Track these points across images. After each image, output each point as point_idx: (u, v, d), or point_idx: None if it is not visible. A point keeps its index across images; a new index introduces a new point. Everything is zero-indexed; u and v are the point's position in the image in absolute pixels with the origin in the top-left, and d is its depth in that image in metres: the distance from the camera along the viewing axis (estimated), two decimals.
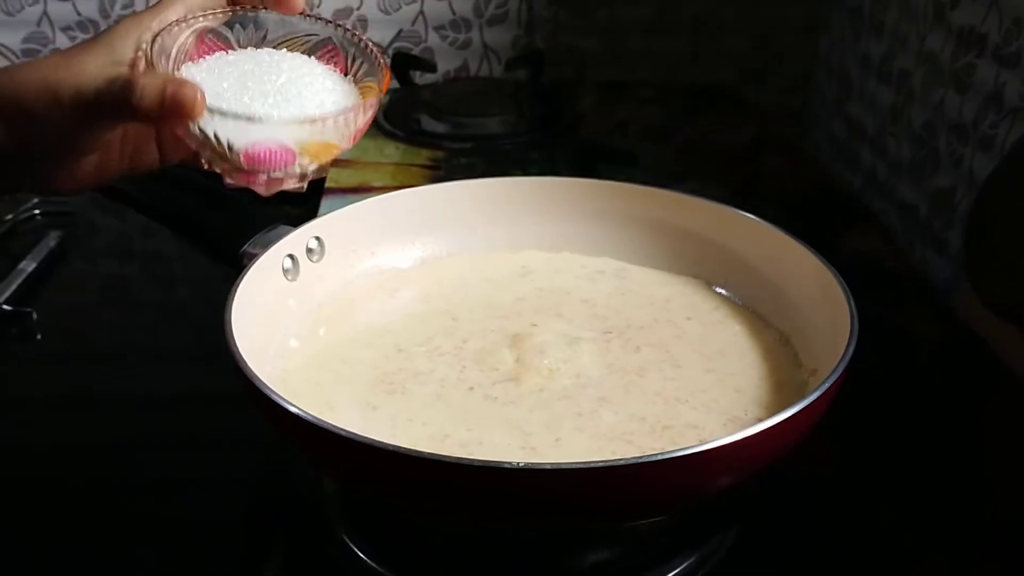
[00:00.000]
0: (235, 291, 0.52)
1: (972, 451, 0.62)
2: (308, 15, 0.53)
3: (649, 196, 0.67)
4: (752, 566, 0.53)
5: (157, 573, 0.53)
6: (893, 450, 0.61)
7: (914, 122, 0.95)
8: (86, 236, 0.90)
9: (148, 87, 0.46)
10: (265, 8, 0.53)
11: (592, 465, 0.41)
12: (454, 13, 1.15)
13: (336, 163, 0.94)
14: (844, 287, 0.53)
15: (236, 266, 0.56)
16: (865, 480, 0.58)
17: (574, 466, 0.41)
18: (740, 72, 1.21)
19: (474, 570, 0.53)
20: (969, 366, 0.71)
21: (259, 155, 0.49)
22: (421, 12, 1.14)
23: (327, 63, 0.53)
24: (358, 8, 1.13)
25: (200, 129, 0.48)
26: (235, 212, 0.60)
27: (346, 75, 0.53)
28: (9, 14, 1.09)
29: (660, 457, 0.41)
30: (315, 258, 0.61)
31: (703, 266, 0.65)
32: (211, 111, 0.47)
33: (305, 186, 0.52)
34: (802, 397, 0.44)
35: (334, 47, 0.53)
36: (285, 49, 0.53)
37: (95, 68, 0.49)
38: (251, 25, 0.53)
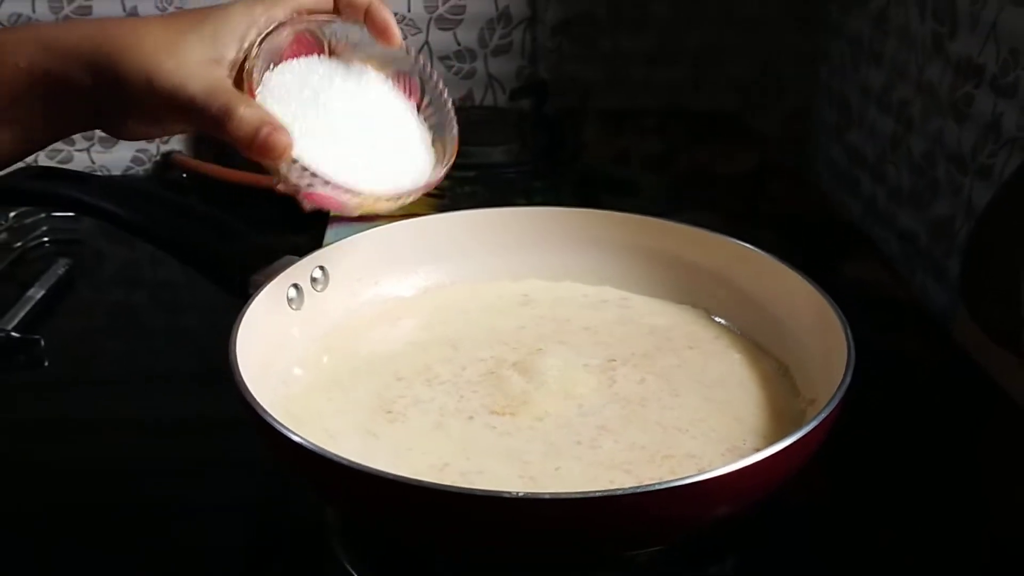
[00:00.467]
0: (240, 320, 0.53)
1: (970, 477, 0.62)
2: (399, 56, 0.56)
3: (649, 226, 0.67)
4: None
5: None
6: (892, 477, 0.61)
7: (913, 151, 0.95)
8: (94, 264, 0.91)
9: (245, 122, 0.48)
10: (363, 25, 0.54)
11: (591, 495, 0.41)
12: (459, 44, 1.16)
13: None
14: (841, 317, 0.53)
15: (242, 295, 0.57)
16: (864, 508, 0.59)
17: (573, 496, 0.41)
18: (741, 100, 1.22)
19: None
20: (968, 393, 0.71)
21: (322, 200, 0.52)
22: (427, 42, 1.16)
23: (403, 88, 0.56)
24: None
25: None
26: (241, 242, 0.61)
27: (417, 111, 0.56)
28: None
29: (658, 487, 0.41)
30: (319, 287, 0.62)
31: (703, 295, 0.66)
32: (296, 162, 0.49)
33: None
34: (800, 426, 0.45)
35: (414, 82, 0.56)
36: (376, 75, 0.55)
37: (196, 63, 0.49)
38: (347, 34, 0.55)
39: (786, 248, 0.63)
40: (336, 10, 0.54)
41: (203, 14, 0.51)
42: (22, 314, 0.77)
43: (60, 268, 0.85)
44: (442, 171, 0.56)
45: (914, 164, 0.95)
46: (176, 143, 1.15)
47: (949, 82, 0.88)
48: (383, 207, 0.54)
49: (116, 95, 0.50)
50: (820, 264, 0.83)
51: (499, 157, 1.05)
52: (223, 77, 0.50)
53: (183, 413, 0.67)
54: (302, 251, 0.62)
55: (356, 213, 0.54)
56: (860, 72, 1.09)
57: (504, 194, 0.97)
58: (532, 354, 0.60)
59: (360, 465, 0.42)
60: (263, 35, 0.51)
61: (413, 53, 0.56)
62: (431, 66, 0.56)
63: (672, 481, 0.42)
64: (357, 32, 0.54)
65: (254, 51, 0.51)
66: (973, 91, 0.85)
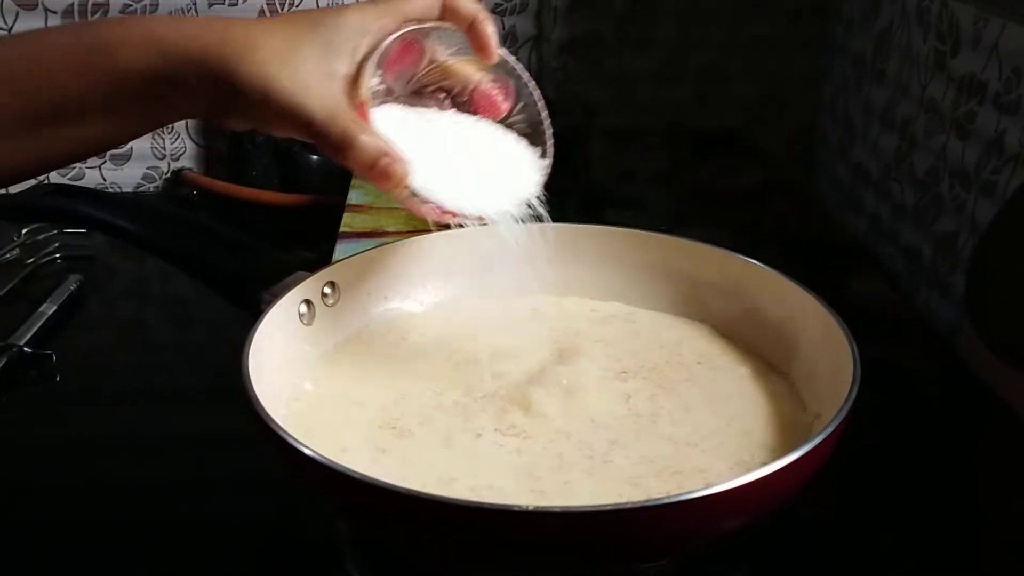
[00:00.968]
0: (252, 336, 0.54)
1: (975, 491, 0.63)
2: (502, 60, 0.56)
3: (656, 242, 0.68)
4: None
5: None
6: (897, 490, 0.62)
7: (917, 168, 0.96)
8: (105, 280, 0.91)
9: (366, 151, 0.49)
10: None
11: (600, 509, 0.42)
12: None
13: (351, 208, 0.96)
14: (847, 332, 0.54)
15: (254, 311, 0.57)
16: (870, 520, 0.59)
17: (583, 509, 0.42)
18: (746, 118, 1.23)
19: None
20: (972, 408, 0.71)
21: (438, 217, 0.54)
22: None
23: (500, 91, 0.57)
24: None
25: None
26: (253, 258, 0.62)
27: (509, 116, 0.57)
28: None
29: (667, 501, 0.42)
30: (330, 303, 0.63)
31: (710, 310, 0.66)
32: (412, 189, 0.51)
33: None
34: (807, 440, 0.45)
35: (509, 86, 0.57)
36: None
37: (312, 78, 0.49)
38: (449, 39, 0.55)
39: (791, 264, 0.64)
40: (441, 17, 0.54)
41: (316, 20, 0.51)
42: (34, 329, 0.78)
43: (72, 284, 0.85)
44: (542, 178, 0.58)
45: (918, 181, 0.96)
46: (186, 160, 1.17)
47: (952, 99, 0.89)
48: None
49: (230, 99, 0.50)
50: (825, 280, 0.84)
51: None
52: (340, 97, 0.50)
53: (194, 427, 0.67)
54: (312, 267, 0.63)
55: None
56: (863, 90, 1.10)
57: None
58: (540, 369, 0.61)
59: (371, 478, 0.43)
60: (376, 51, 0.51)
61: (509, 58, 0.57)
62: (525, 71, 0.57)
63: (681, 495, 0.42)
64: (459, 40, 0.55)
65: (368, 70, 0.51)
66: (976, 108, 0.85)
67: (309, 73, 0.49)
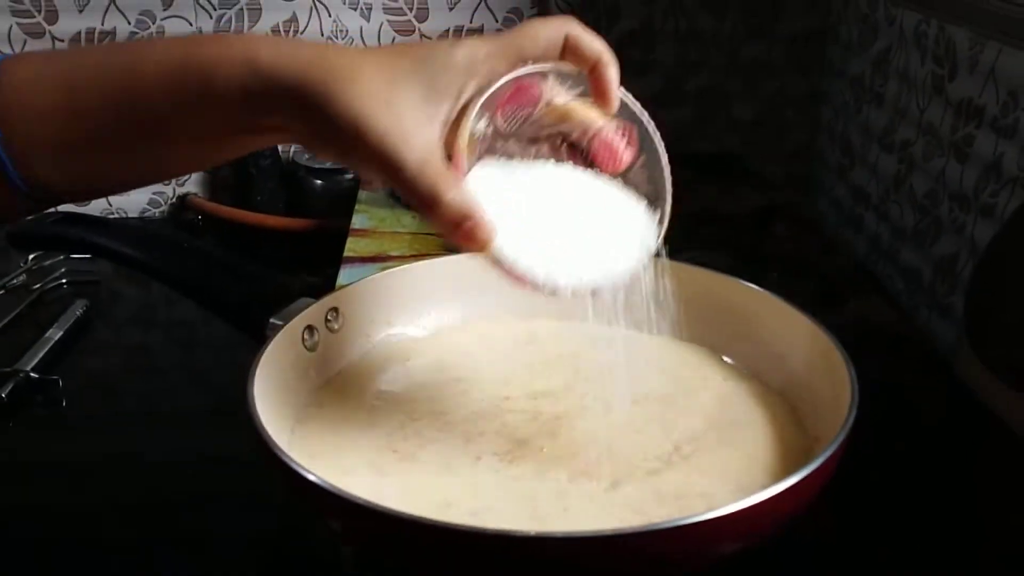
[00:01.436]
0: (257, 361, 0.55)
1: (975, 512, 0.63)
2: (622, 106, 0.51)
3: (656, 266, 0.68)
4: None
5: None
6: (897, 512, 0.62)
7: (916, 190, 0.97)
8: (111, 305, 0.92)
9: (451, 210, 0.45)
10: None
11: (601, 534, 0.42)
12: None
13: (355, 232, 0.97)
14: (845, 356, 0.54)
15: (258, 337, 0.58)
16: (869, 542, 0.59)
17: (584, 535, 0.42)
18: (745, 141, 1.24)
19: None
20: (972, 430, 0.72)
21: (517, 284, 0.49)
22: None
23: (622, 136, 0.51)
24: None
25: None
26: (257, 285, 0.63)
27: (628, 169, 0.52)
28: None
29: (669, 526, 0.42)
30: (334, 328, 0.64)
31: (709, 334, 0.66)
32: (498, 257, 0.47)
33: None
34: (806, 464, 0.46)
35: (633, 134, 0.51)
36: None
37: (411, 120, 0.45)
38: (568, 79, 0.50)
39: (791, 286, 0.64)
40: (562, 57, 0.49)
41: (423, 56, 0.47)
42: (41, 355, 0.79)
43: (78, 309, 0.86)
44: (652, 247, 0.52)
45: (917, 203, 0.97)
46: (192, 185, 1.18)
47: (950, 123, 0.90)
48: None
49: (321, 129, 0.46)
50: (825, 302, 0.85)
51: None
52: (436, 144, 0.46)
53: (199, 452, 0.68)
54: (316, 292, 0.64)
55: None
56: (862, 113, 1.11)
57: None
58: (542, 394, 0.61)
59: (372, 503, 0.43)
60: (482, 94, 0.47)
61: (635, 105, 0.51)
62: (651, 122, 0.52)
63: (682, 520, 0.42)
64: (582, 80, 0.50)
65: (470, 116, 0.47)
66: (974, 132, 0.86)
67: (409, 116, 0.45)
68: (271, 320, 0.59)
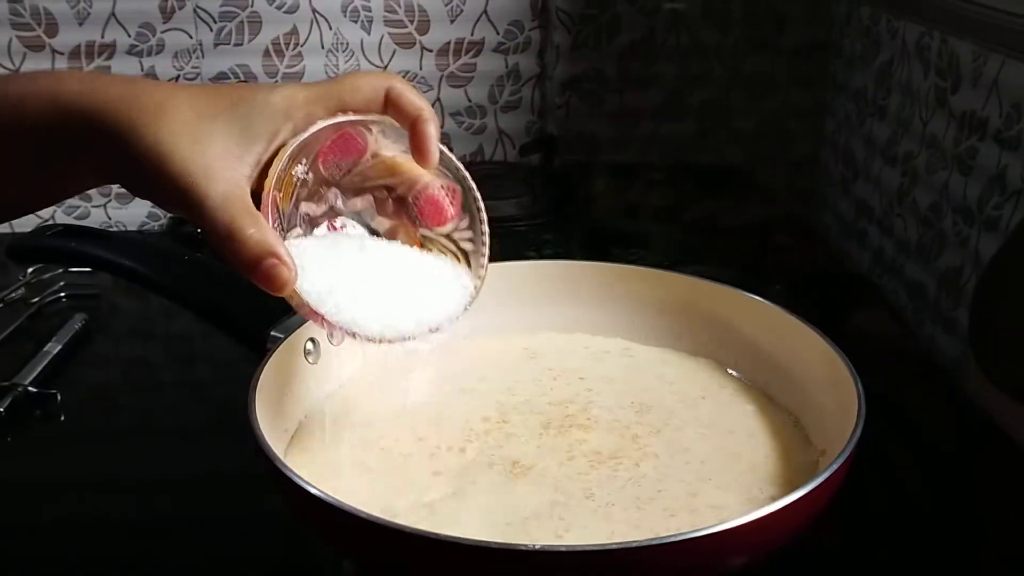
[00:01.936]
0: (258, 375, 0.54)
1: (981, 527, 0.62)
2: (444, 162, 0.52)
3: (659, 279, 0.68)
4: None
5: None
6: (903, 527, 0.61)
7: (920, 203, 0.97)
8: (110, 318, 0.92)
9: (249, 247, 0.44)
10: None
11: (608, 547, 0.42)
12: (470, 100, 1.18)
13: None
14: (851, 369, 0.54)
15: (259, 350, 0.57)
16: (875, 557, 0.59)
17: (590, 548, 0.42)
18: (748, 154, 1.24)
19: None
20: (978, 444, 0.71)
21: (324, 327, 0.50)
22: (438, 99, 1.18)
23: (446, 195, 0.52)
24: None
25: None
26: (258, 297, 0.62)
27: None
28: None
29: (677, 538, 0.42)
30: (335, 341, 0.63)
31: (714, 347, 0.66)
32: (302, 299, 0.47)
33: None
34: (811, 479, 0.45)
35: (457, 193, 0.53)
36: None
37: (217, 157, 0.45)
38: (393, 134, 0.51)
39: (795, 299, 0.64)
40: (383, 111, 0.50)
41: (239, 96, 0.47)
42: (39, 369, 0.78)
43: (77, 323, 0.86)
44: (463, 303, 0.53)
45: (921, 216, 0.96)
46: None
47: (953, 136, 0.90)
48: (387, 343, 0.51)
49: (124, 165, 0.46)
50: (829, 315, 0.84)
51: (510, 211, 1.07)
52: (242, 182, 0.46)
53: (199, 466, 0.67)
54: None
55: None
56: (865, 126, 1.10)
57: (515, 247, 0.98)
58: (546, 407, 0.61)
59: (375, 517, 0.43)
60: (297, 137, 0.47)
61: (458, 165, 0.53)
62: (472, 183, 0.53)
63: (690, 532, 0.42)
64: (400, 138, 0.51)
65: (282, 159, 0.47)
66: (977, 144, 0.86)
67: (216, 153, 0.45)
68: (272, 333, 0.59)
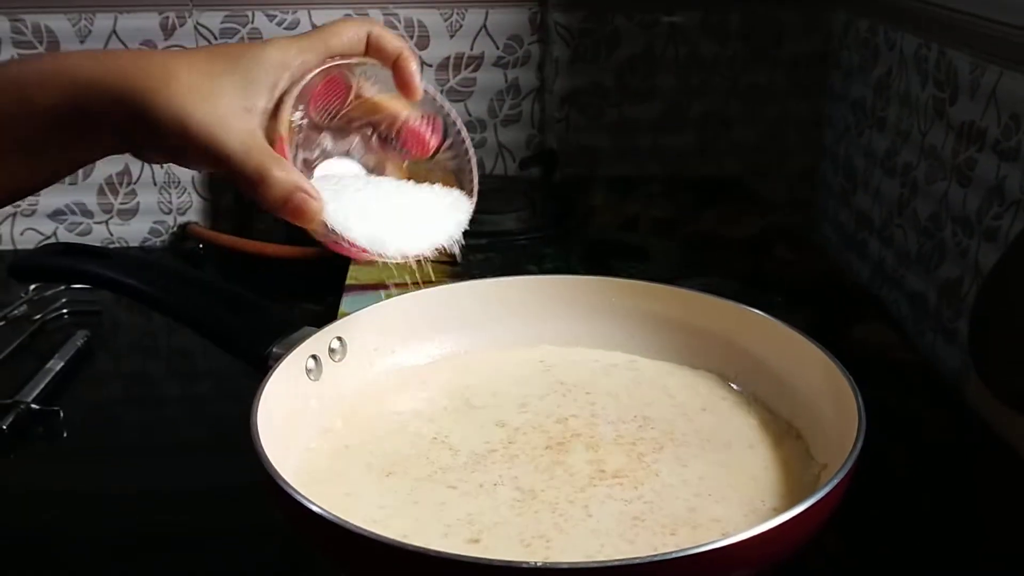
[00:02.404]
0: (260, 392, 0.54)
1: (984, 539, 0.62)
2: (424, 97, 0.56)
3: (660, 292, 0.69)
4: None
5: None
6: (905, 539, 0.61)
7: (920, 213, 0.97)
8: (112, 335, 0.92)
9: (279, 186, 0.48)
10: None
11: (611, 564, 0.42)
12: (470, 114, 1.19)
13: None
14: (851, 382, 0.54)
15: (261, 367, 0.58)
16: (878, 569, 0.59)
17: (593, 565, 0.42)
18: (747, 165, 1.24)
19: None
20: (980, 455, 0.71)
21: (353, 254, 0.54)
22: None
23: (427, 127, 0.57)
24: None
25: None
26: (260, 315, 0.62)
27: (434, 154, 0.58)
28: None
29: (678, 555, 0.42)
30: (337, 357, 0.63)
31: (715, 360, 0.66)
32: (330, 228, 0.51)
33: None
34: (812, 492, 0.45)
35: (437, 122, 0.57)
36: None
37: (230, 111, 0.48)
38: (376, 74, 0.56)
39: (796, 311, 0.64)
40: (366, 53, 0.54)
41: (237, 53, 0.51)
42: (42, 386, 0.79)
43: (79, 340, 0.86)
44: (464, 217, 0.58)
45: (921, 226, 0.97)
46: (193, 214, 1.18)
47: (952, 146, 0.90)
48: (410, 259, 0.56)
49: (147, 132, 0.49)
50: (830, 327, 0.85)
51: (510, 224, 1.07)
52: (257, 131, 0.50)
53: (202, 483, 0.68)
54: (319, 321, 0.64)
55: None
56: (864, 137, 1.11)
57: (516, 261, 0.98)
58: (547, 421, 0.61)
59: (376, 534, 0.43)
60: (296, 85, 0.51)
61: (437, 95, 0.57)
62: (452, 109, 0.58)
63: (692, 548, 0.42)
64: (387, 76, 0.55)
65: (288, 104, 0.51)
66: (976, 155, 0.86)
67: (227, 107, 0.48)
68: (274, 350, 0.59)
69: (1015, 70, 0.80)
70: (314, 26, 1.11)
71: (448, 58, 1.17)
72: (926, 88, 0.95)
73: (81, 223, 1.17)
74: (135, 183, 1.16)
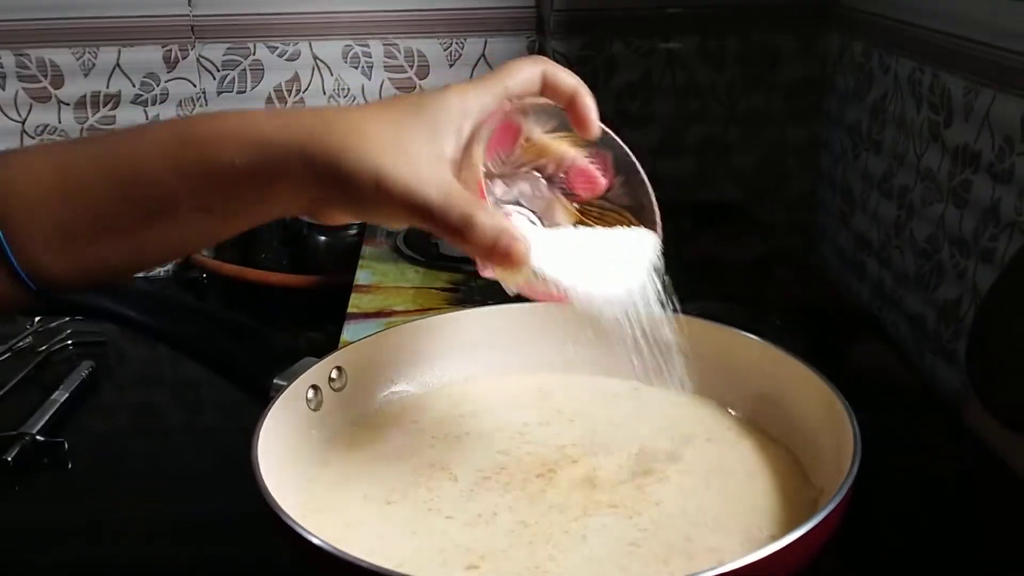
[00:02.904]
0: (261, 423, 0.55)
1: (984, 561, 0.62)
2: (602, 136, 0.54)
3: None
4: None
5: None
6: (905, 562, 0.61)
7: (917, 235, 0.97)
8: (117, 365, 0.93)
9: (486, 232, 0.47)
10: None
11: None
12: None
13: (358, 288, 0.97)
14: (847, 407, 0.54)
15: (263, 398, 0.58)
16: None
17: None
18: (745, 189, 1.25)
19: None
20: (981, 477, 0.71)
21: (551, 298, 0.51)
22: None
23: (599, 166, 0.54)
24: None
25: None
26: (261, 346, 0.63)
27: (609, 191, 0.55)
28: None
29: None
30: (337, 387, 0.64)
31: (713, 386, 0.66)
32: (535, 271, 0.49)
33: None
34: (812, 516, 0.46)
35: (608, 159, 0.54)
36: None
37: (425, 163, 0.47)
38: (544, 115, 0.53)
39: (794, 334, 0.64)
40: (541, 92, 0.52)
41: (418, 103, 0.49)
42: (46, 417, 0.79)
43: (84, 371, 0.87)
44: (655, 254, 0.54)
45: (919, 248, 0.97)
46: None
47: (947, 169, 0.91)
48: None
49: (339, 191, 0.47)
50: (829, 348, 0.85)
51: None
52: (453, 179, 0.48)
53: (206, 513, 0.68)
54: (321, 349, 0.64)
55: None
56: (861, 160, 1.11)
57: None
58: (546, 450, 0.61)
59: (378, 567, 0.43)
60: (485, 127, 0.50)
61: (609, 132, 0.54)
62: (624, 145, 0.55)
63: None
64: (555, 116, 0.53)
65: (480, 148, 0.49)
66: (971, 177, 0.87)
67: (419, 158, 0.47)
68: (275, 381, 0.60)
69: (1008, 93, 0.81)
70: (315, 58, 1.14)
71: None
72: (921, 111, 0.96)
73: None
74: None
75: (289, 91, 1.16)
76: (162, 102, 1.15)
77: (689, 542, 0.52)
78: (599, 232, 0.54)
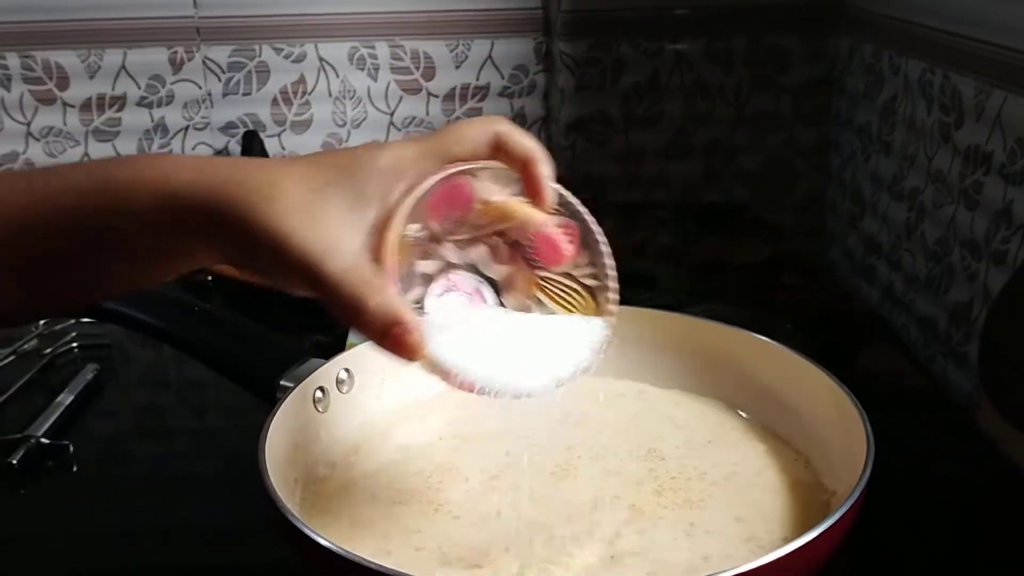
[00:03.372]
0: (269, 425, 0.54)
1: (996, 565, 0.62)
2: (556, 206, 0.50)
3: (668, 320, 0.69)
4: None
5: None
6: (917, 565, 0.61)
7: (928, 238, 0.97)
8: (122, 368, 0.92)
9: (377, 318, 0.43)
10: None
11: None
12: None
13: None
14: (860, 409, 0.54)
15: (270, 399, 0.58)
16: None
17: None
18: (754, 192, 1.24)
19: None
20: (992, 480, 0.71)
21: (457, 388, 0.47)
22: None
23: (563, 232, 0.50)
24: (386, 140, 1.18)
25: None
26: (268, 347, 0.63)
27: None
28: None
29: None
30: (344, 389, 0.63)
31: (724, 388, 0.66)
32: (433, 362, 0.45)
33: None
34: (824, 519, 0.45)
35: (573, 227, 0.50)
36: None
37: (335, 229, 0.44)
38: (504, 177, 0.49)
39: (805, 337, 0.64)
40: (491, 156, 0.48)
41: (348, 164, 0.45)
42: (51, 420, 0.79)
43: (88, 373, 0.86)
44: (599, 344, 0.51)
45: (929, 251, 0.96)
46: None
47: (958, 170, 0.90)
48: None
49: (243, 250, 0.44)
50: (839, 352, 0.84)
51: None
52: (360, 253, 0.44)
53: (212, 516, 0.67)
54: (327, 352, 0.64)
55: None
56: (871, 162, 1.11)
57: None
58: (553, 452, 0.61)
59: (385, 568, 0.43)
60: (409, 197, 0.45)
61: (572, 200, 0.50)
62: (589, 215, 0.51)
63: None
64: (510, 182, 0.49)
65: (396, 222, 0.45)
66: (982, 179, 0.86)
67: (330, 225, 0.44)
68: (282, 382, 0.59)
69: (1020, 94, 0.80)
70: (321, 60, 1.14)
71: (454, 88, 1.18)
72: (932, 112, 0.95)
73: None
74: None
75: (295, 92, 1.16)
76: (168, 104, 1.15)
77: (698, 545, 0.51)
78: (537, 319, 0.51)
